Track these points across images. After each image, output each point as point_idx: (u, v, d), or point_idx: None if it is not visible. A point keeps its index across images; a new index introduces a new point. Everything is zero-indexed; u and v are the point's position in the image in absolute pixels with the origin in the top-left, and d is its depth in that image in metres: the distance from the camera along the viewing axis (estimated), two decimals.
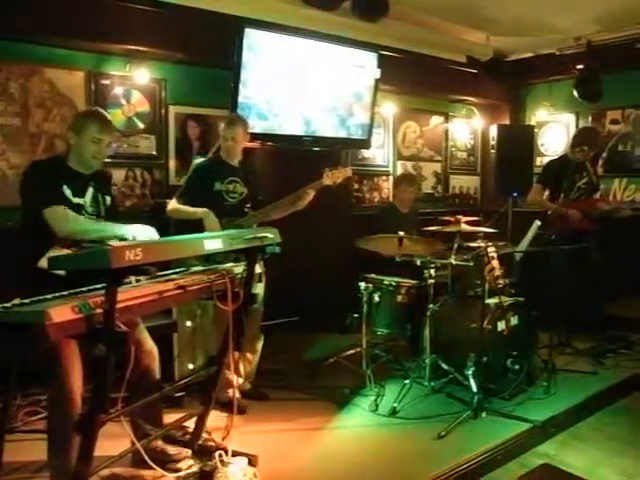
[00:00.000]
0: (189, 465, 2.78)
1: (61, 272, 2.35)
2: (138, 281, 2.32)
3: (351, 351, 4.19)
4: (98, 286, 2.21)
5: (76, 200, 2.67)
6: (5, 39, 3.86)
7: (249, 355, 3.72)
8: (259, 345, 3.77)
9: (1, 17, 3.63)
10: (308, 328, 5.14)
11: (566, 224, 4.79)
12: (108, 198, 2.85)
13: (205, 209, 3.42)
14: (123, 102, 4.42)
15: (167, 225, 3.85)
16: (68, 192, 2.65)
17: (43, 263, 2.48)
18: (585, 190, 4.99)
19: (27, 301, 2.03)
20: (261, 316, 3.75)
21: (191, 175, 3.63)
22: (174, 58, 4.51)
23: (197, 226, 3.35)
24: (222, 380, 2.98)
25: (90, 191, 2.74)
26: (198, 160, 4.57)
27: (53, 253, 2.50)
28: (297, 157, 4.98)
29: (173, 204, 3.55)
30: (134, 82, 4.44)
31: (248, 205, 3.61)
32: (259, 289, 3.65)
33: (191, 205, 3.49)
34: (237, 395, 3.51)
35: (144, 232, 2.63)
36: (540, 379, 3.96)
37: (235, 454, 2.76)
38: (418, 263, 4.15)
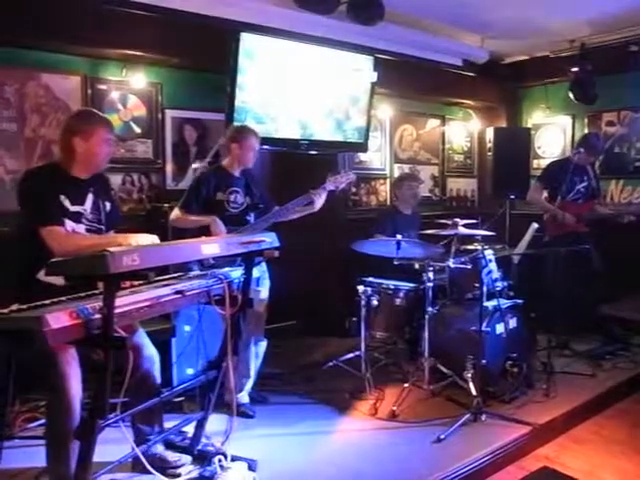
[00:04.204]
0: (188, 470, 2.77)
1: (59, 282, 2.35)
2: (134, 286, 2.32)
3: (350, 355, 4.19)
4: (96, 291, 2.21)
5: (75, 208, 2.59)
6: (1, 44, 3.84)
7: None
8: (261, 349, 3.74)
9: None
10: (306, 332, 5.13)
11: (561, 227, 4.82)
12: (108, 204, 2.76)
13: (211, 216, 3.44)
14: (119, 107, 4.40)
15: (165, 230, 3.84)
16: (66, 202, 2.55)
17: (41, 275, 2.47)
18: (584, 194, 5.01)
19: (25, 307, 2.02)
20: (264, 320, 3.74)
21: (194, 185, 3.62)
22: (170, 62, 4.51)
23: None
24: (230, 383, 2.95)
25: (90, 197, 2.65)
26: (196, 165, 4.58)
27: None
28: (294, 161, 4.97)
29: (177, 213, 3.55)
30: (130, 86, 4.42)
31: (250, 214, 3.63)
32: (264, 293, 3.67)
33: (194, 214, 3.51)
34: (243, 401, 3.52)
35: (146, 241, 2.50)
36: (539, 382, 3.96)
37: (234, 459, 2.76)
38: (416, 266, 4.15)
